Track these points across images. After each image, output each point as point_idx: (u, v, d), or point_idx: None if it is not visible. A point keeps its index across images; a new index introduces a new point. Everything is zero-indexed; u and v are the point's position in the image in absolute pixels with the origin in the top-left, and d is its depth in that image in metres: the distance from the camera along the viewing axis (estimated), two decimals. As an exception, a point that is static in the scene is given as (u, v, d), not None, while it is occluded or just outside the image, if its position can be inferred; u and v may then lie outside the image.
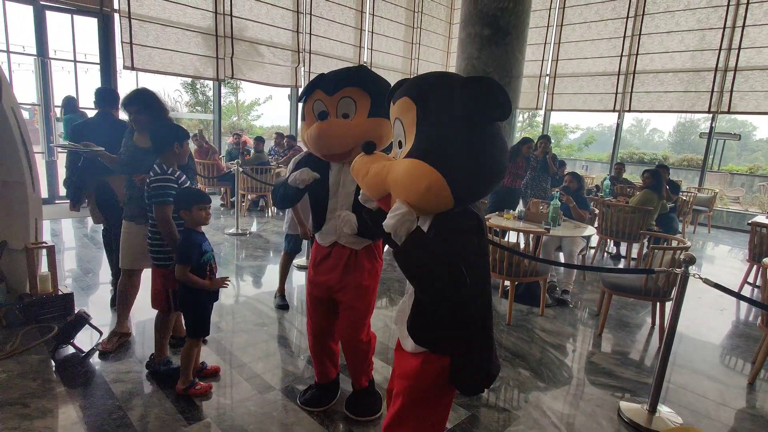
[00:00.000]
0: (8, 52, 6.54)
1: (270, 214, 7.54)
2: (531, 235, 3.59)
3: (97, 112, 3.40)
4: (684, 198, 7.23)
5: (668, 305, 3.29)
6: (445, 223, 1.23)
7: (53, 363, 2.62)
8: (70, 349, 2.74)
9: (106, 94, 3.45)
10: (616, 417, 2.45)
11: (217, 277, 2.37)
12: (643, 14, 8.53)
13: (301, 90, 2.04)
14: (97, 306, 3.44)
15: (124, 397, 2.34)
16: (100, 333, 2.92)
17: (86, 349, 2.74)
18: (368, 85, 1.87)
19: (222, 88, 8.24)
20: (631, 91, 8.80)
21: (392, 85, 1.46)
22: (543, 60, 9.80)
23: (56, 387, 2.39)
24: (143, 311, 3.37)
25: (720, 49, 7.81)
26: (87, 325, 2.81)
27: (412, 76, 1.38)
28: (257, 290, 4.03)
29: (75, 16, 6.67)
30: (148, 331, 3.07)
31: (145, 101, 2.73)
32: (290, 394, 2.46)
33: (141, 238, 2.63)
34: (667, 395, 2.69)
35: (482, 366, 1.36)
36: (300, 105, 2.07)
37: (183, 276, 2.24)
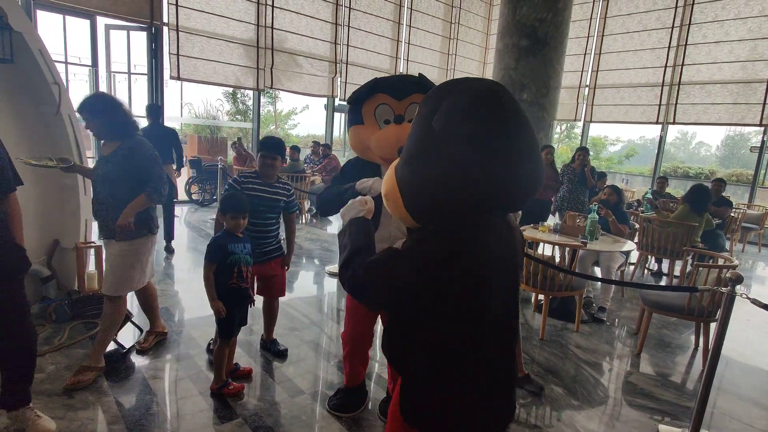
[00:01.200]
0: (66, 63, 6.98)
1: (303, 221, 7.67)
2: (567, 249, 3.50)
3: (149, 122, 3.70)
4: (733, 215, 6.89)
5: (713, 326, 3.14)
6: (410, 241, 1.11)
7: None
8: (113, 345, 2.87)
9: (153, 108, 4.12)
10: (655, 441, 2.35)
11: (245, 282, 2.45)
12: (689, 24, 8.25)
13: (350, 94, 2.00)
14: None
15: (161, 394, 2.43)
16: (141, 330, 3.04)
17: (127, 345, 2.86)
18: None
19: (261, 97, 8.49)
20: (676, 103, 8.49)
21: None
22: (582, 70, 9.61)
23: (99, 380, 2.50)
24: (182, 311, 3.50)
25: (773, 60, 7.45)
26: (129, 323, 2.94)
27: (459, 75, 1.33)
28: (289, 295, 4.10)
29: (130, 31, 7.06)
30: (186, 329, 3.18)
31: (93, 108, 2.44)
32: (317, 397, 2.48)
33: (126, 258, 2.51)
34: (711, 421, 2.56)
35: (428, 395, 1.13)
36: (347, 110, 2.05)
37: (206, 274, 2.34)
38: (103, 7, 6.31)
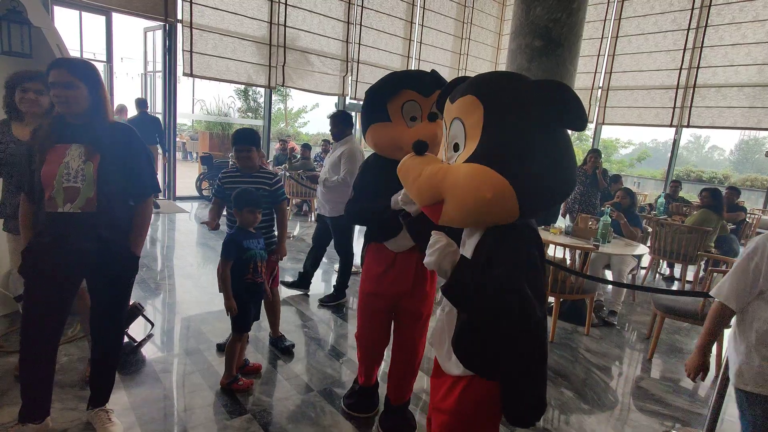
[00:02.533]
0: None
1: (313, 218, 7.69)
2: (578, 251, 3.47)
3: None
4: (747, 220, 6.79)
5: (726, 332, 3.09)
6: (504, 239, 1.11)
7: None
8: (125, 338, 2.89)
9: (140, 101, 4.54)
10: (666, 447, 2.32)
11: (263, 277, 2.48)
12: (705, 26, 8.14)
13: (367, 89, 1.94)
14: (151, 299, 3.61)
15: (171, 387, 2.44)
16: (152, 324, 3.06)
17: (139, 339, 2.88)
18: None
19: (272, 95, 8.52)
20: (691, 106, 8.38)
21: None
22: (596, 72, 9.52)
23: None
24: (191, 305, 3.52)
25: (792, 63, 7.32)
26: (141, 317, 2.96)
27: (471, 75, 1.30)
28: (299, 292, 4.11)
29: (146, 29, 7.13)
30: (196, 324, 3.20)
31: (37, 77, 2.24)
32: (327, 397, 2.49)
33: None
34: (722, 427, 2.52)
35: (537, 395, 1.21)
36: (365, 107, 1.95)
37: (222, 270, 2.35)
38: (119, 4, 6.36)
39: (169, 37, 7.04)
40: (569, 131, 1.16)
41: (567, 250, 3.53)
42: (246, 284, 2.39)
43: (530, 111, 1.07)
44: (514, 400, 1.20)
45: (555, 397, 2.70)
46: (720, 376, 2.25)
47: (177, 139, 8.93)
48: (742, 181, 15.52)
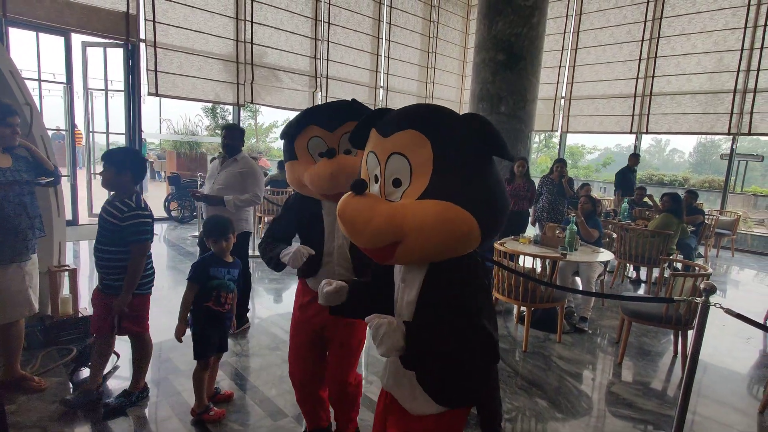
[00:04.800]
0: (39, 80, 6.85)
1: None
2: (547, 260, 3.54)
3: None
4: (706, 222, 7.08)
5: (690, 333, 3.20)
6: (458, 270, 1.16)
7: (71, 385, 2.66)
8: (86, 372, 2.78)
9: None
10: (638, 451, 2.37)
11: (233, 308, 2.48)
12: (658, 37, 8.54)
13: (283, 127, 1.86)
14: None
15: (140, 422, 2.36)
16: (118, 356, 2.96)
17: (104, 371, 2.77)
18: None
19: (241, 111, 8.45)
20: (648, 113, 8.74)
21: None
22: (558, 83, 9.83)
23: (74, 410, 2.42)
24: (159, 332, 3.41)
25: (738, 71, 7.74)
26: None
27: (434, 101, 1.32)
28: (271, 313, 4.04)
29: (107, 48, 6.97)
30: (164, 351, 3.11)
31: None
32: (301, 421, 2.44)
33: (15, 283, 2.47)
34: (692, 427, 2.59)
35: (500, 407, 1.34)
36: (283, 144, 1.90)
37: (185, 293, 2.32)
38: (78, 25, 6.22)
39: (132, 56, 6.91)
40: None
41: (536, 259, 3.59)
42: (206, 311, 2.35)
43: (471, 144, 1.12)
44: (490, 418, 1.30)
45: (529, 407, 2.73)
46: (685, 377, 2.32)
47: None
48: (700, 183, 16.19)
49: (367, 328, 1.19)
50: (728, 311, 2.20)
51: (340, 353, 1.99)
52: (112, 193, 2.43)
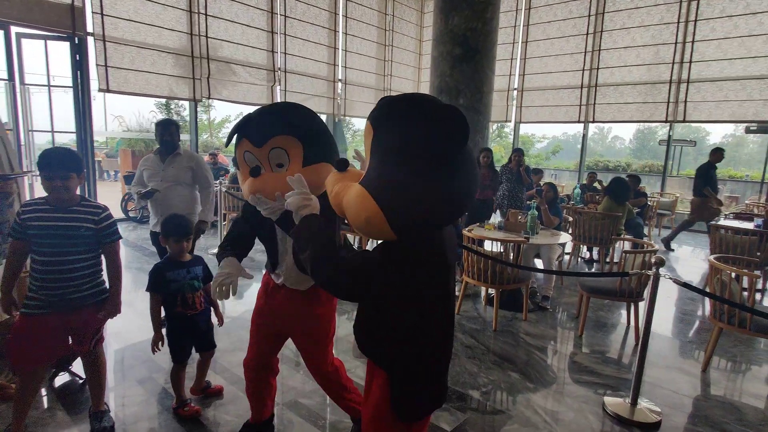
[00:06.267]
0: (-24, 76, 6.41)
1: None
2: (512, 244, 3.78)
3: None
4: (649, 204, 7.65)
5: (641, 305, 3.53)
6: (388, 253, 1.22)
7: (51, 391, 2.62)
8: (67, 376, 2.74)
9: None
10: (601, 411, 2.63)
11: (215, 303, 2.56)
12: (602, 31, 9.05)
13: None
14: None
15: (129, 420, 2.37)
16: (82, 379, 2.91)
17: (84, 375, 2.74)
18: (297, 130, 1.68)
19: (197, 108, 8.25)
20: (594, 103, 9.27)
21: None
22: (510, 75, 10.21)
23: (58, 413, 2.40)
24: (133, 335, 3.38)
25: (673, 63, 8.36)
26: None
27: (392, 93, 1.38)
28: (247, 308, 4.07)
29: (48, 41, 6.60)
30: (141, 353, 3.09)
31: None
32: (293, 408, 2.54)
33: None
34: (644, 389, 2.89)
35: (424, 390, 1.31)
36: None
37: (150, 304, 2.37)
38: (17, 17, 5.88)
39: (79, 51, 6.59)
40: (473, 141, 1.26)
41: (501, 243, 3.82)
42: (178, 317, 2.40)
43: (405, 138, 1.11)
44: (397, 390, 1.29)
45: (503, 380, 2.94)
46: (640, 344, 2.60)
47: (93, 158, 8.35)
48: (641, 167, 17.31)
49: None
50: (676, 281, 2.48)
51: (310, 346, 2.01)
52: (48, 199, 2.07)
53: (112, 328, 3.50)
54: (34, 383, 2.14)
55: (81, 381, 2.70)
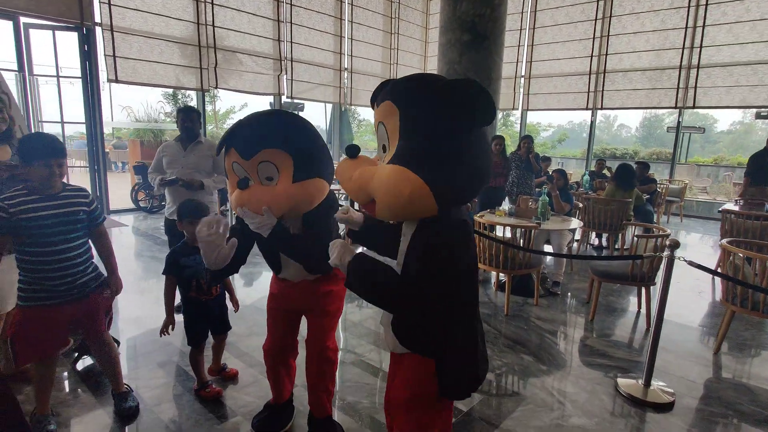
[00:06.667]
0: (-14, 68, 6.44)
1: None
2: (522, 230, 3.79)
3: None
4: (658, 190, 7.62)
5: (653, 289, 3.55)
6: (430, 230, 1.22)
7: (75, 373, 2.68)
8: (90, 360, 2.80)
9: None
10: (614, 392, 2.66)
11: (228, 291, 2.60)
12: (610, 16, 8.95)
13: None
14: (117, 316, 3.48)
15: (153, 401, 2.43)
16: (118, 343, 2.97)
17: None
18: (287, 144, 1.62)
19: (204, 97, 8.26)
20: (603, 90, 9.20)
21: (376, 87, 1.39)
22: (518, 62, 10.14)
23: (82, 395, 2.46)
24: (151, 321, 3.43)
25: (683, 48, 8.26)
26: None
27: (394, 78, 1.40)
28: (261, 295, 4.12)
29: (57, 32, 6.61)
30: (164, 339, 3.15)
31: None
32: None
33: (10, 273, 2.23)
34: (656, 371, 2.92)
35: (467, 369, 1.34)
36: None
37: (165, 286, 2.41)
38: (26, 8, 5.90)
39: (87, 41, 6.61)
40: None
41: (512, 229, 3.83)
42: (192, 301, 2.45)
43: (441, 113, 1.15)
44: (444, 374, 1.32)
45: (517, 363, 2.98)
46: (653, 325, 2.62)
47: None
48: (648, 155, 17.17)
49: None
50: (690, 263, 2.50)
51: (319, 320, 2.04)
52: (29, 187, 1.99)
53: (129, 314, 3.57)
54: (49, 369, 2.16)
55: (103, 364, 2.76)
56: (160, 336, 2.41)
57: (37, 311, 2.03)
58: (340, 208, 1.69)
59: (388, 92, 1.24)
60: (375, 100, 1.33)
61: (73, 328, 2.22)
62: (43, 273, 2.01)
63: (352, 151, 1.34)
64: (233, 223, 1.97)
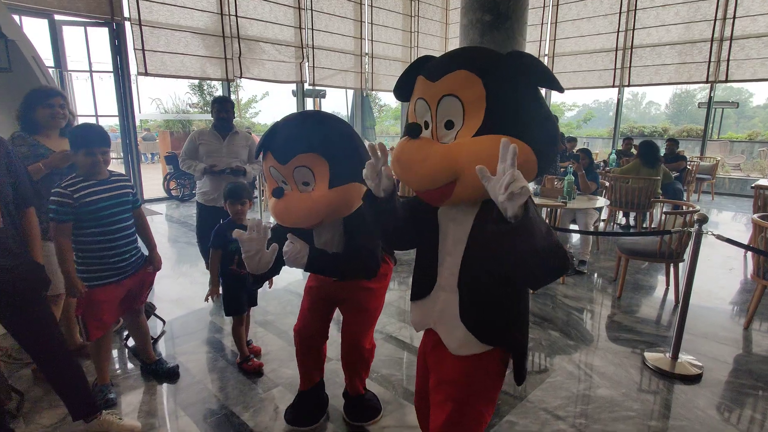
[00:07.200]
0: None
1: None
2: (548, 209, 3.82)
3: None
4: (688, 167, 7.46)
5: (681, 266, 3.55)
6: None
7: (127, 350, 2.89)
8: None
9: None
10: (641, 365, 2.71)
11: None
12: (638, -11, 8.68)
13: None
14: (160, 298, 3.69)
15: (200, 374, 2.61)
16: (164, 322, 3.18)
17: (155, 336, 3.00)
18: (323, 148, 1.59)
19: (230, 87, 8.43)
20: (630, 66, 8.97)
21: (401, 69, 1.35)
22: (540, 40, 9.95)
23: (136, 369, 2.66)
24: (193, 302, 3.63)
25: (715, 20, 7.97)
26: (153, 315, 3.08)
27: (423, 51, 1.34)
28: (292, 278, 4.27)
29: (87, 28, 6.84)
30: (201, 316, 3.34)
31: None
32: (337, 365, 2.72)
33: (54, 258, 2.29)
34: (684, 345, 2.95)
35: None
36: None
37: (210, 258, 2.61)
38: (61, 6, 6.11)
39: (117, 36, 6.82)
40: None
41: (540, 208, 3.87)
42: (231, 274, 2.60)
43: (522, 80, 1.15)
44: (521, 363, 1.31)
45: (544, 338, 3.05)
46: (681, 300, 2.65)
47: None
48: (679, 132, 16.67)
49: None
50: (719, 237, 2.51)
51: (356, 317, 2.03)
52: (82, 175, 2.12)
53: (169, 296, 3.77)
54: (107, 342, 2.35)
55: (153, 339, 2.95)
56: (205, 301, 2.60)
57: (102, 289, 2.18)
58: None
59: (456, 62, 1.17)
60: (422, 73, 1.24)
61: (126, 303, 2.40)
62: (105, 252, 2.16)
63: (416, 130, 1.19)
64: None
